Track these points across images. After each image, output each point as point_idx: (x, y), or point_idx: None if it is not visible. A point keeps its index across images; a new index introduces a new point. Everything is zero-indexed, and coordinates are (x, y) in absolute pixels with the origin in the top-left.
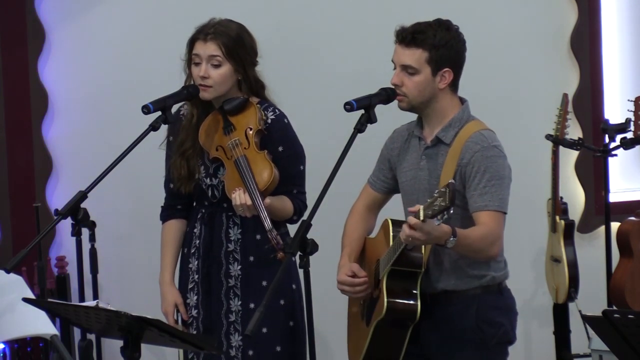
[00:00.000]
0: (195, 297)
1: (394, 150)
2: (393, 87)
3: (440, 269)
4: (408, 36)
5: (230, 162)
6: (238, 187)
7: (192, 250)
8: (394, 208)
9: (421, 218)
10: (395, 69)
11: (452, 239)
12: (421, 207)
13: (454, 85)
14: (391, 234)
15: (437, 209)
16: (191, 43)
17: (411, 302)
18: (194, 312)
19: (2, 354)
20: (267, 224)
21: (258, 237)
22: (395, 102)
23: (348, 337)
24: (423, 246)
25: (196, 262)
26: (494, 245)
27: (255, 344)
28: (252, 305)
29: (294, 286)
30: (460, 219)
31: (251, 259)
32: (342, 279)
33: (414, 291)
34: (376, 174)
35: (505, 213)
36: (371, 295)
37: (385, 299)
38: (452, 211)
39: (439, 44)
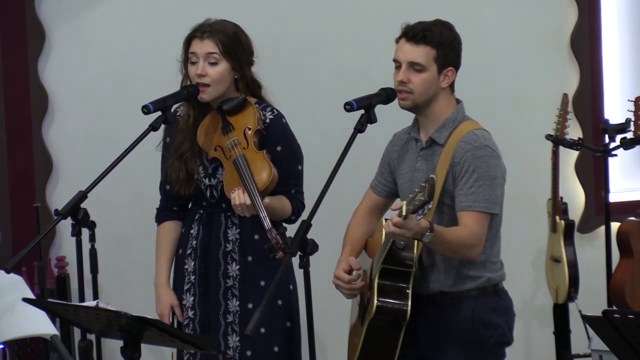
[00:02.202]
0: (192, 298)
1: (393, 154)
2: (396, 85)
3: (436, 270)
4: (419, 33)
5: (229, 162)
6: (237, 187)
7: (189, 251)
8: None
9: (404, 214)
10: (398, 67)
11: (428, 233)
12: (404, 203)
13: (451, 86)
14: (384, 233)
15: (418, 203)
16: (187, 42)
17: (401, 302)
18: (190, 313)
19: (2, 354)
20: (267, 223)
21: (256, 237)
22: (395, 102)
23: (349, 338)
24: (415, 245)
25: (193, 263)
26: (474, 248)
27: (253, 344)
28: (250, 306)
29: (291, 287)
30: (449, 219)
31: (249, 258)
32: (339, 274)
33: (406, 291)
34: (378, 177)
35: (493, 214)
36: (368, 294)
37: (375, 299)
38: (430, 206)
39: (445, 42)
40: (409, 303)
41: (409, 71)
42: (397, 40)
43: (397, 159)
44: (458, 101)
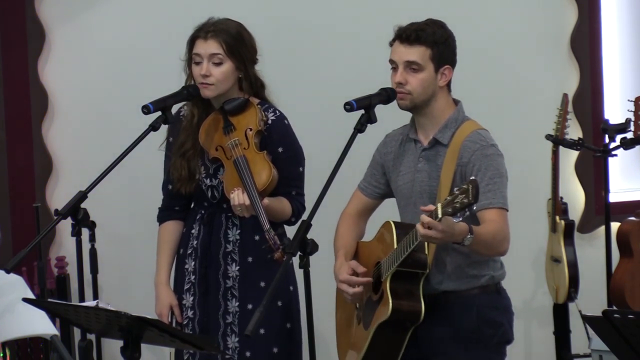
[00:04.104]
0: (192, 298)
1: (388, 155)
2: (394, 86)
3: (440, 271)
4: (412, 34)
5: (230, 162)
6: (237, 187)
7: (189, 251)
8: (384, 214)
9: (439, 216)
10: (394, 69)
11: (469, 236)
12: (439, 205)
13: (448, 85)
14: (395, 235)
15: (459, 205)
16: (191, 42)
17: (415, 303)
18: (190, 313)
19: (2, 354)
20: (265, 224)
21: (257, 237)
22: (394, 102)
23: (338, 343)
24: (426, 246)
25: (193, 263)
26: (505, 242)
27: (252, 345)
28: (249, 307)
29: (291, 288)
30: (464, 218)
31: (249, 259)
32: (346, 278)
33: (417, 292)
34: (368, 179)
35: (507, 210)
36: (369, 298)
37: (391, 300)
38: (475, 208)
39: (439, 41)
40: (422, 304)
41: (406, 72)
42: (391, 43)
43: (393, 161)
44: (456, 101)
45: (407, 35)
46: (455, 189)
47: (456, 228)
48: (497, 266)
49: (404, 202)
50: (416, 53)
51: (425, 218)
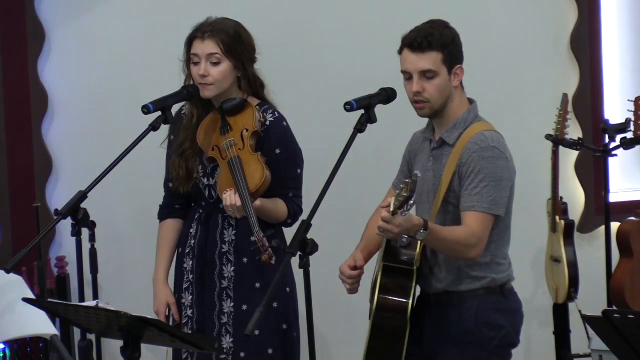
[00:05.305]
0: (190, 297)
1: (411, 153)
2: (411, 96)
3: (441, 270)
4: (423, 41)
5: (224, 163)
6: (229, 188)
7: (187, 250)
8: None
9: (391, 210)
10: (408, 78)
11: (422, 231)
12: (392, 199)
13: (461, 83)
14: None
15: (402, 200)
16: (189, 43)
17: (402, 299)
18: (189, 312)
19: (2, 354)
20: (255, 225)
21: (252, 239)
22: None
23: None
24: (418, 243)
25: (191, 262)
26: (473, 248)
27: (247, 346)
28: (244, 307)
29: (288, 289)
30: (453, 219)
31: (245, 260)
32: (342, 268)
33: (408, 289)
34: (398, 176)
35: (497, 215)
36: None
37: (377, 295)
38: (412, 202)
39: (448, 42)
40: (410, 300)
41: (421, 80)
42: (400, 52)
43: (415, 159)
44: (471, 101)
45: (419, 43)
46: (401, 184)
47: (409, 222)
48: (502, 268)
49: (417, 199)
50: (429, 60)
51: (383, 213)
